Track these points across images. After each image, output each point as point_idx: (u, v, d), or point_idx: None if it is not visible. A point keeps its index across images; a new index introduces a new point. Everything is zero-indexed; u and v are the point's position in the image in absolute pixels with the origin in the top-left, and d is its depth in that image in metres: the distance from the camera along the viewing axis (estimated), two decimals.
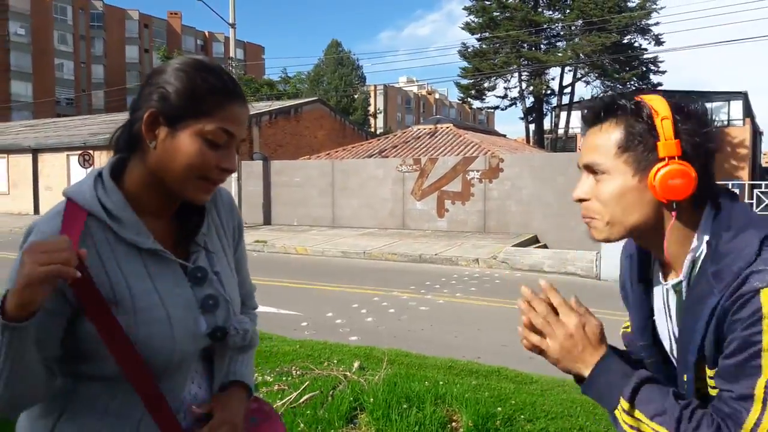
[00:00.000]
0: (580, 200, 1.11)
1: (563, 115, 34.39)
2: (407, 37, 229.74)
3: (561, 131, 34.23)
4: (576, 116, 35.32)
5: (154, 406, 1.09)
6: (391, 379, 3.86)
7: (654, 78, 33.27)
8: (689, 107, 1.05)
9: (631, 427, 1.01)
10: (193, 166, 1.06)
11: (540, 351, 1.10)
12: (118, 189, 1.10)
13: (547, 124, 35.63)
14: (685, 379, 1.07)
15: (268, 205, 18.18)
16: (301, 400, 3.54)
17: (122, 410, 1.10)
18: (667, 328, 1.16)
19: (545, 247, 13.23)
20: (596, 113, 1.09)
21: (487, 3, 33.20)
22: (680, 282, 1.08)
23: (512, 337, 6.24)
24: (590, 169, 1.09)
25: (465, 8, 34.07)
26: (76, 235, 1.02)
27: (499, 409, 3.51)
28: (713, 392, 1.02)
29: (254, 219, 17.94)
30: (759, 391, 0.92)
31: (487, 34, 33.31)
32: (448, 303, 8.03)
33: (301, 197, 17.59)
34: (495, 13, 33.15)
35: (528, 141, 33.89)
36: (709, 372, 1.03)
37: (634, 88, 33.01)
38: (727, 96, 32.14)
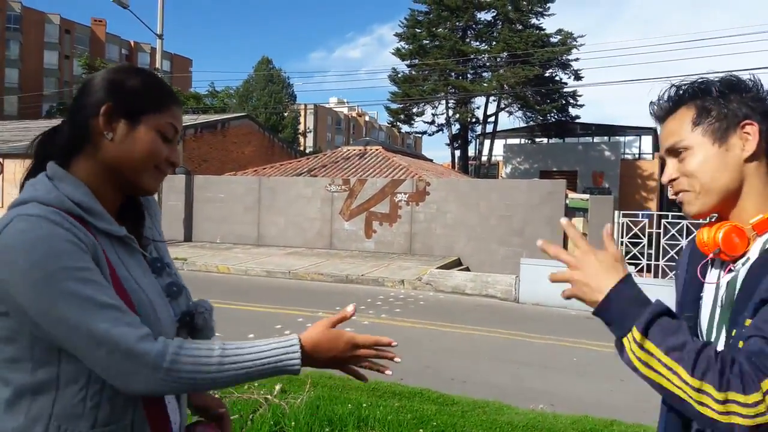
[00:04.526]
0: (670, 182, 1.18)
1: (487, 143, 35.53)
2: (338, 58, 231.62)
3: (485, 158, 35.34)
4: (499, 144, 36.62)
5: (152, 400, 1.10)
6: (313, 402, 3.81)
7: (573, 111, 35.00)
8: (744, 82, 1.14)
9: (639, 359, 0.97)
10: (152, 156, 1.13)
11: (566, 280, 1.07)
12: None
13: (471, 151, 36.64)
14: (733, 334, 1.03)
15: (189, 220, 17.64)
16: None
17: (111, 418, 1.04)
18: (711, 301, 1.18)
19: (468, 269, 13.53)
20: (666, 109, 1.20)
21: (417, 31, 34.04)
22: (748, 259, 1.10)
23: (435, 358, 6.32)
24: (673, 151, 1.17)
25: (396, 34, 34.80)
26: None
27: (421, 431, 3.53)
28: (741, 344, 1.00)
29: (174, 235, 17.34)
30: None
31: (416, 61, 34.07)
32: (373, 324, 8.02)
33: (225, 214, 17.18)
34: (425, 41, 34.00)
35: (453, 166, 34.70)
36: (747, 322, 1.01)
37: (554, 120, 34.64)
38: (639, 131, 34.24)
